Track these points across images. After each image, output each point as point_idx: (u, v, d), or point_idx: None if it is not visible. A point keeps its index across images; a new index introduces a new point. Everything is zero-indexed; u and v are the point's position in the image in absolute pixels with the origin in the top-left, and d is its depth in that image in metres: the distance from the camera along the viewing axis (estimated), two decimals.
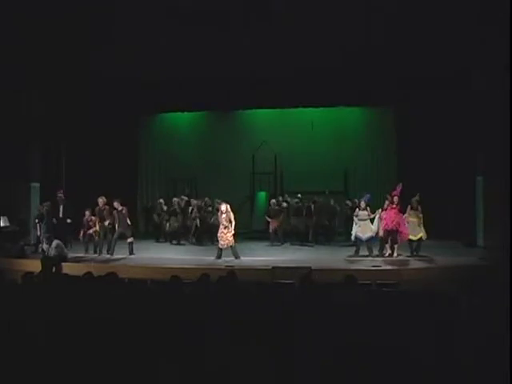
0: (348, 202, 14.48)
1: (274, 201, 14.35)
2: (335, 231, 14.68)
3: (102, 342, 4.05)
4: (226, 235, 11.39)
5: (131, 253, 12.16)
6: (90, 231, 12.29)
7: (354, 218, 11.86)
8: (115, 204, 12.20)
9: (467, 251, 11.93)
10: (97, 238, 12.34)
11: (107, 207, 12.28)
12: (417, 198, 11.47)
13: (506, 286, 5.03)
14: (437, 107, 14.31)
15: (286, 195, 15.28)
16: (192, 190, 17.17)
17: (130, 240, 12.21)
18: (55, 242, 10.51)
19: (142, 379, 3.76)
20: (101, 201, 12.37)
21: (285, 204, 14.48)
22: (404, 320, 4.35)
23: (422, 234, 11.30)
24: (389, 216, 11.19)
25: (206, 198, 14.63)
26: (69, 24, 12.91)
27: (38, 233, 12.50)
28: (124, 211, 12.25)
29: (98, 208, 12.38)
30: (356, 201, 12.99)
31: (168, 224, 14.51)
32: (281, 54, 13.37)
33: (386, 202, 11.50)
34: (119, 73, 14.12)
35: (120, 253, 12.10)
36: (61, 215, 12.80)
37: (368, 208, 11.69)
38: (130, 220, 12.67)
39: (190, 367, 3.73)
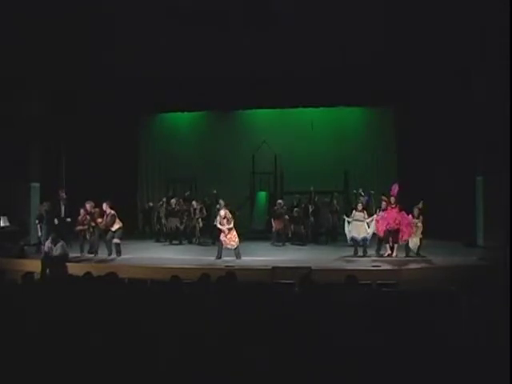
0: (360, 192, 14.20)
1: (279, 201, 14.28)
2: (339, 231, 14.62)
3: (101, 342, 4.05)
4: (233, 237, 11.46)
5: (90, 251, 12.10)
6: (80, 227, 12.25)
7: (346, 217, 11.93)
8: (104, 205, 12.05)
9: (467, 251, 11.92)
10: (88, 236, 12.29)
11: (97, 210, 12.16)
12: (419, 206, 11.40)
13: (506, 286, 5.03)
14: (437, 107, 14.31)
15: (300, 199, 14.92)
16: (192, 190, 17.18)
17: (114, 240, 12.02)
18: (60, 242, 10.53)
19: (141, 379, 3.76)
20: (88, 206, 12.16)
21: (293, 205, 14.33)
22: (404, 320, 4.35)
23: (415, 238, 11.25)
24: (390, 216, 11.19)
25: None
26: (69, 24, 12.92)
27: (39, 233, 12.49)
28: (109, 217, 11.97)
29: (89, 213, 12.27)
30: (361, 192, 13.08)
31: (167, 224, 14.53)
32: (281, 54, 13.37)
33: (383, 204, 11.51)
34: (119, 73, 14.13)
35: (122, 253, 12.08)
36: (63, 215, 12.79)
37: (365, 211, 11.71)
38: (124, 221, 12.35)
39: (189, 367, 3.73)
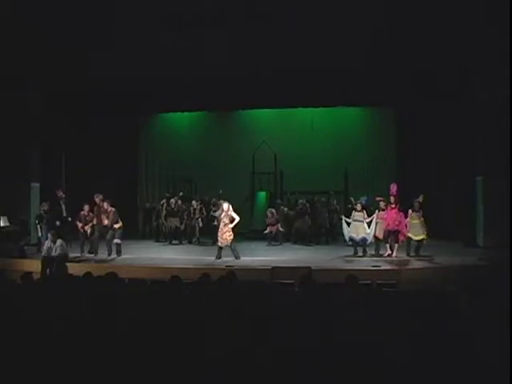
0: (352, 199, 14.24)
1: (272, 210, 14.28)
2: (338, 231, 14.59)
3: (101, 342, 4.05)
4: (225, 234, 11.39)
5: (90, 251, 12.18)
6: (86, 227, 12.26)
7: (344, 218, 11.97)
8: (104, 205, 12.11)
9: (467, 251, 11.91)
10: (89, 235, 12.30)
11: (105, 204, 12.23)
12: (419, 199, 11.42)
13: (506, 286, 5.02)
14: (437, 107, 14.31)
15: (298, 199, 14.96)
16: (191, 190, 17.19)
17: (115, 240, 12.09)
18: (59, 241, 10.55)
19: (141, 379, 3.75)
20: (97, 199, 12.31)
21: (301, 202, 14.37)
22: (404, 320, 4.34)
23: (423, 235, 11.26)
24: (390, 216, 11.20)
25: (214, 199, 14.56)
26: (69, 24, 12.92)
27: (39, 233, 12.49)
28: (111, 214, 12.02)
29: (96, 206, 12.34)
30: (352, 200, 13.13)
31: (167, 224, 14.54)
32: (281, 54, 13.37)
33: (381, 204, 11.52)
34: (119, 73, 14.11)
35: (123, 253, 12.09)
36: (64, 214, 12.79)
37: (364, 211, 11.71)
38: (124, 221, 12.39)
39: (189, 367, 3.73)
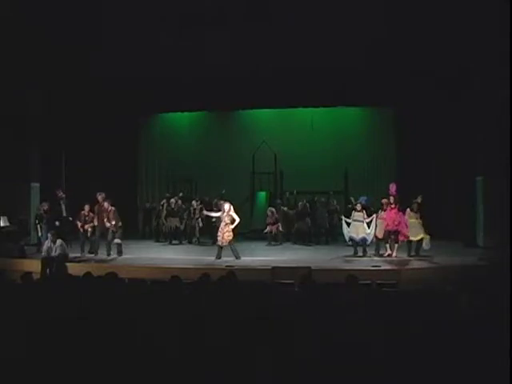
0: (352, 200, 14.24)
1: (272, 209, 14.30)
2: (338, 231, 14.59)
3: (101, 343, 4.05)
4: (224, 234, 11.39)
5: (90, 251, 12.20)
6: (86, 226, 12.25)
7: (344, 218, 11.97)
8: (105, 204, 12.10)
9: (467, 251, 11.91)
10: (90, 235, 12.30)
11: (105, 203, 12.22)
12: (418, 200, 11.43)
13: (506, 286, 5.02)
14: (437, 107, 14.31)
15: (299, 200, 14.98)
16: (191, 190, 17.20)
17: (115, 240, 12.13)
18: (59, 241, 10.56)
19: (141, 379, 3.75)
20: (100, 197, 12.30)
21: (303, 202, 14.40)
22: (404, 320, 4.34)
23: (422, 235, 11.26)
24: (389, 216, 11.20)
25: (215, 199, 14.54)
26: (69, 24, 12.93)
27: (39, 233, 12.48)
28: (111, 214, 12.03)
29: (97, 205, 12.33)
30: (352, 200, 13.12)
31: (167, 224, 14.54)
32: (281, 54, 13.38)
33: (385, 202, 11.52)
34: (119, 73, 14.11)
35: (123, 253, 12.09)
36: (64, 214, 12.78)
37: (364, 211, 11.71)
38: (124, 221, 12.43)
39: (189, 367, 3.73)
